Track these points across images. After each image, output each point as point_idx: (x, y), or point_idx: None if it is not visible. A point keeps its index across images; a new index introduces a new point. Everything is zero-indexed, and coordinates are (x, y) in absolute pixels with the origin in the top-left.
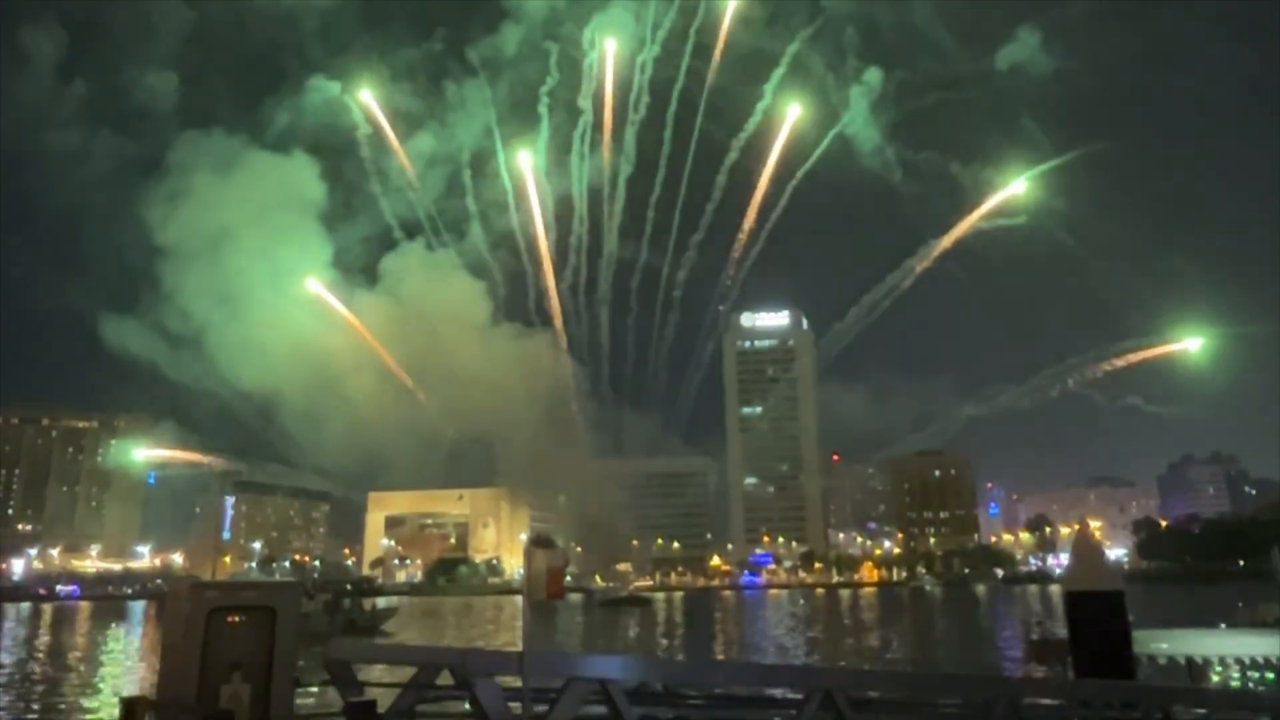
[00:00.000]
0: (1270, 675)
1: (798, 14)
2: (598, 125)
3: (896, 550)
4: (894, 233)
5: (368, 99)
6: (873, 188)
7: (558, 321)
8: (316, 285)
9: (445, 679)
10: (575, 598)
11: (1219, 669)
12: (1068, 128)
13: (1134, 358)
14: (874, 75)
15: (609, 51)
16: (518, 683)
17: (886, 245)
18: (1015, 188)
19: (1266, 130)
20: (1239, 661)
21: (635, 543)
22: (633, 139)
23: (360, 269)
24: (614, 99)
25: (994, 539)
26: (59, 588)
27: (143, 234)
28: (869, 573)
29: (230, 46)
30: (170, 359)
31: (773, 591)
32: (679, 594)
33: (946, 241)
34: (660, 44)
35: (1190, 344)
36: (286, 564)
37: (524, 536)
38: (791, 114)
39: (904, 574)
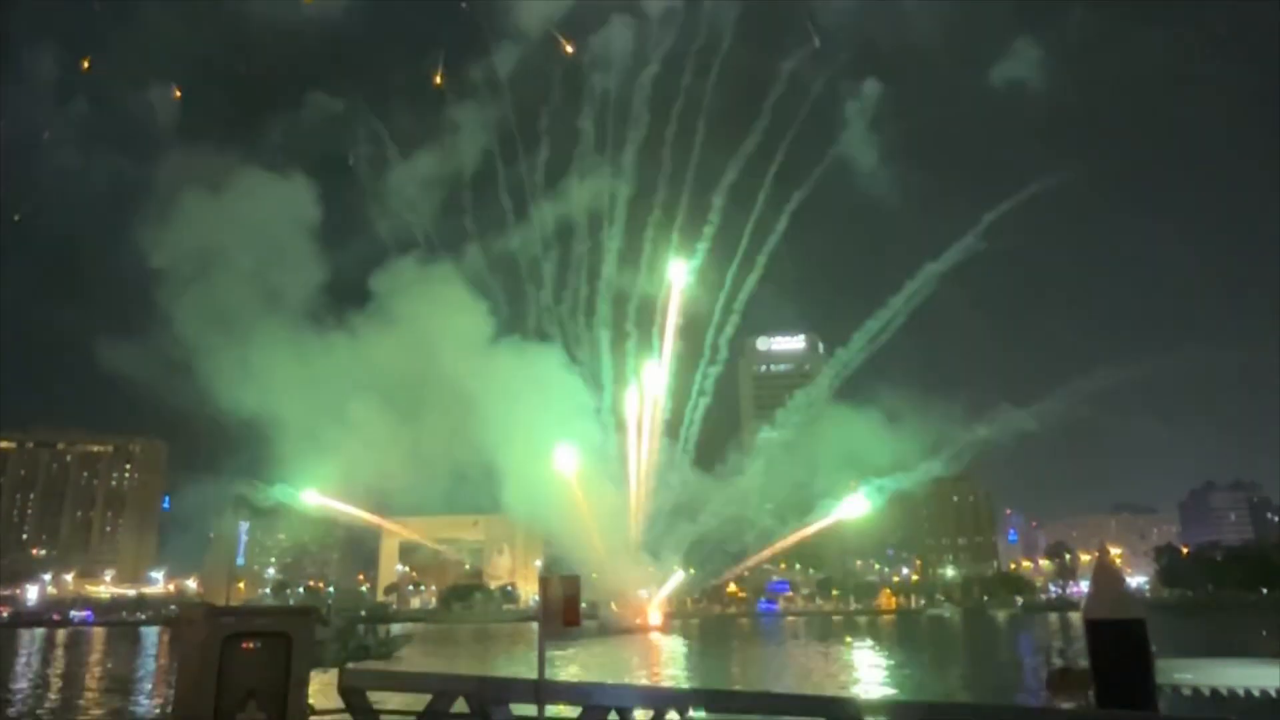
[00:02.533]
0: None
1: (795, 31)
2: (599, 146)
3: (915, 577)
4: (895, 253)
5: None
6: (871, 208)
7: None
8: None
9: (461, 706)
10: (591, 625)
11: (1243, 700)
12: (1064, 143)
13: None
14: (871, 93)
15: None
16: (533, 711)
17: (888, 266)
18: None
19: (1270, 145)
20: (1264, 692)
21: (651, 570)
22: (633, 160)
23: (355, 290)
24: (614, 118)
25: (1013, 566)
26: (73, 613)
27: (138, 256)
28: (887, 600)
29: (229, 64)
30: (168, 383)
31: (790, 619)
32: (695, 621)
33: (944, 265)
34: (660, 62)
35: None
36: (301, 590)
37: (539, 564)
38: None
39: (922, 601)
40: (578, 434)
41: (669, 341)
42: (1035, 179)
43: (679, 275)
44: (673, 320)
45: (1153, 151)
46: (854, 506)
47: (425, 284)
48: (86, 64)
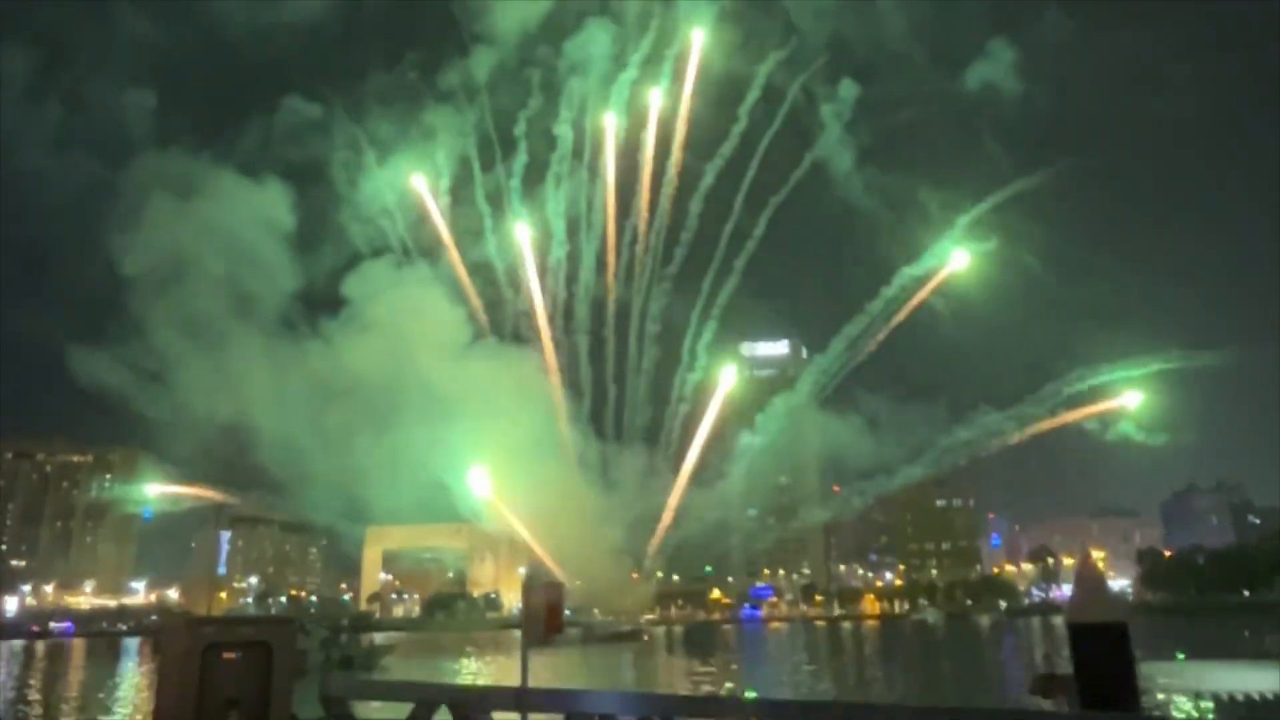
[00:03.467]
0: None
1: (771, 35)
2: (576, 153)
3: (898, 582)
4: (874, 258)
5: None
6: (850, 212)
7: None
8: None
9: (443, 715)
10: (574, 632)
11: (1226, 703)
12: (1037, 146)
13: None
14: (846, 97)
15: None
16: (516, 719)
17: (867, 271)
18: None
19: (1246, 146)
20: (1246, 695)
21: (635, 576)
22: (612, 166)
23: (331, 297)
24: (593, 127)
25: (996, 570)
26: (53, 625)
27: (114, 262)
28: (870, 605)
29: (204, 69)
30: (148, 393)
31: (773, 625)
32: (679, 627)
33: (919, 269)
34: (638, 67)
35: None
36: (283, 599)
37: (522, 571)
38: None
39: (906, 606)
40: (556, 439)
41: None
42: (1012, 181)
43: (698, 38)
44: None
45: (1129, 152)
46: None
47: (401, 289)
48: (60, 66)
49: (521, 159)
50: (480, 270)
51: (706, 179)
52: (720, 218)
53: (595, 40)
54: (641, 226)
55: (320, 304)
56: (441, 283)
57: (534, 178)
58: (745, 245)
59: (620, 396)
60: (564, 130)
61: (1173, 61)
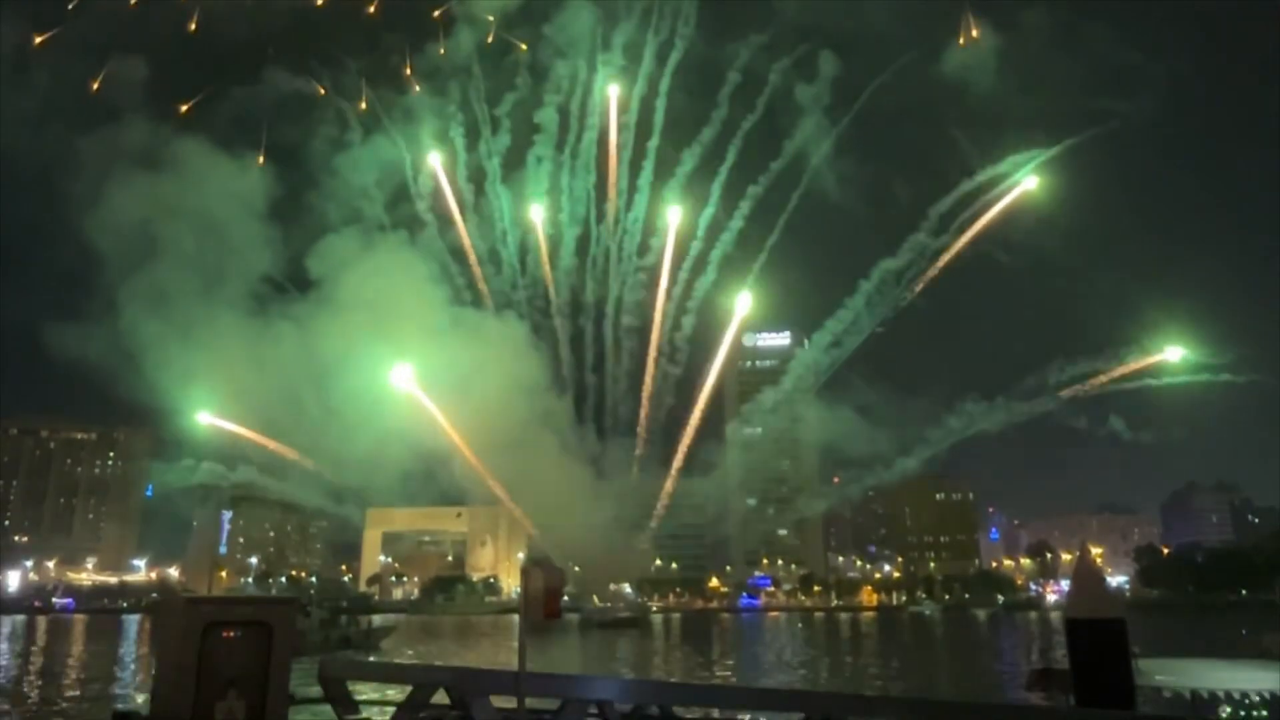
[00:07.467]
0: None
1: (753, 23)
2: (559, 143)
3: (896, 574)
4: (861, 249)
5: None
6: (834, 204)
7: None
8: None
9: (441, 698)
10: (572, 618)
11: (1222, 701)
12: (1018, 136)
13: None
14: (824, 86)
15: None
16: (513, 703)
17: (855, 263)
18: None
19: (1245, 146)
20: (1243, 694)
21: (627, 561)
22: (590, 153)
23: (308, 276)
24: (574, 114)
25: (995, 564)
26: (54, 600)
27: (83, 237)
28: (868, 597)
29: (188, 39)
30: (120, 375)
31: (771, 614)
32: (677, 615)
33: (901, 260)
34: (620, 51)
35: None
36: (283, 579)
37: (522, 556)
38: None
39: (903, 598)
40: (546, 418)
41: None
42: (993, 166)
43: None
44: None
45: (1132, 139)
46: None
47: (385, 266)
48: (40, 39)
49: (504, 140)
50: (460, 249)
51: (687, 164)
52: (699, 205)
53: (577, 22)
54: (614, 212)
55: (301, 282)
56: (424, 260)
57: (515, 160)
58: (722, 236)
59: (600, 386)
60: (547, 115)
61: (1150, 57)
